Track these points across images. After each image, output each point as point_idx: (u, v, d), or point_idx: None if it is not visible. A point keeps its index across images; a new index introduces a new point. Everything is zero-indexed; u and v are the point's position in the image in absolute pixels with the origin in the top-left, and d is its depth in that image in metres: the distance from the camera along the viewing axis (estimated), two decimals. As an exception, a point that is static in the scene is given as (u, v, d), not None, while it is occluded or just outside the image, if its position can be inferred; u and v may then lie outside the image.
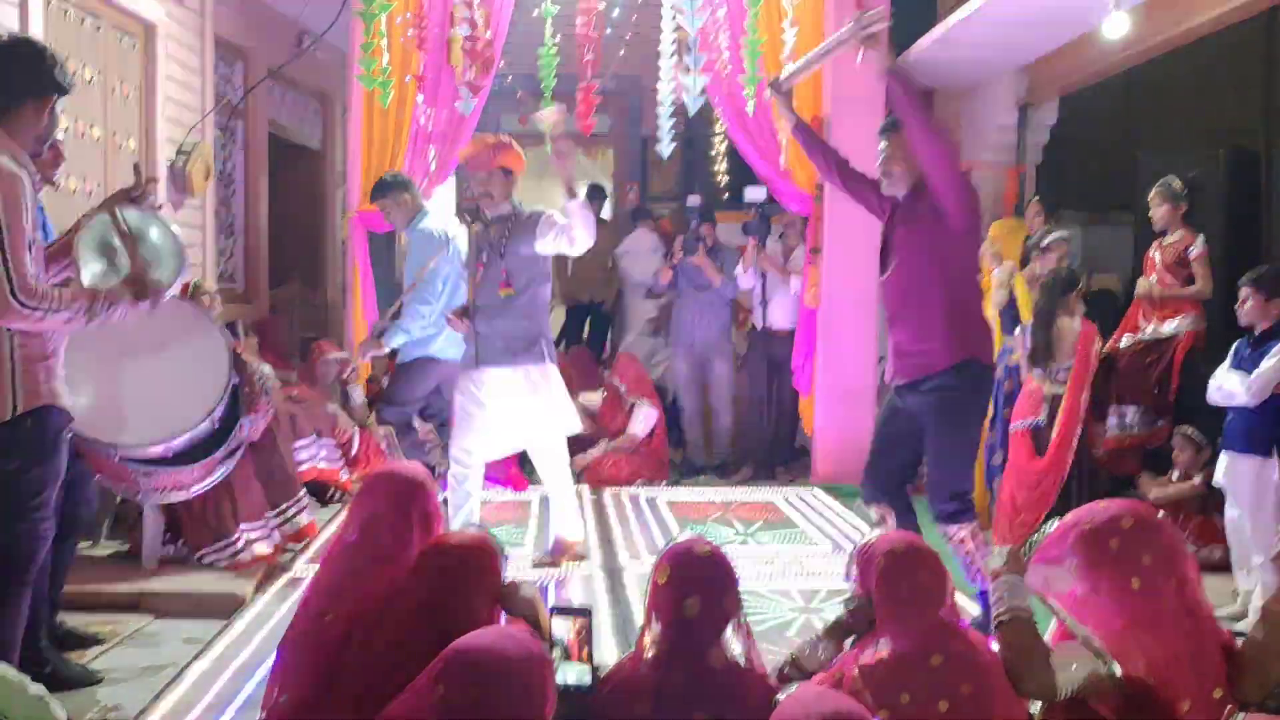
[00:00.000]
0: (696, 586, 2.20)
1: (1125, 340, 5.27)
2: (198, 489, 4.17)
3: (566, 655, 2.36)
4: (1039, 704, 2.26)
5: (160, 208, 3.31)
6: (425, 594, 2.29)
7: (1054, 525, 2.44)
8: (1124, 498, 2.46)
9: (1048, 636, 2.35)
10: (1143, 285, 5.19)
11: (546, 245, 4.44)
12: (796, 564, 4.76)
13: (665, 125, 6.20)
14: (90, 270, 3.01)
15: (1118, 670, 2.14)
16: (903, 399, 3.66)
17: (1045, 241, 5.32)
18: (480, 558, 2.37)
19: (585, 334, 8.40)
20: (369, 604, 2.37)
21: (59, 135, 3.37)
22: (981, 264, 5.90)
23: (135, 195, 3.20)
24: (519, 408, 4.46)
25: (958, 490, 3.58)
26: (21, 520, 2.82)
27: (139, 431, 3.84)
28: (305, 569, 4.42)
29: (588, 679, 2.33)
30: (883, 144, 3.69)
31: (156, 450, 3.86)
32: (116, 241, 3.04)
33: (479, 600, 2.32)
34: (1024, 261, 5.54)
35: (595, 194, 8.34)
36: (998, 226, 5.84)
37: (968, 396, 3.57)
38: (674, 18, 5.90)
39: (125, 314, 2.91)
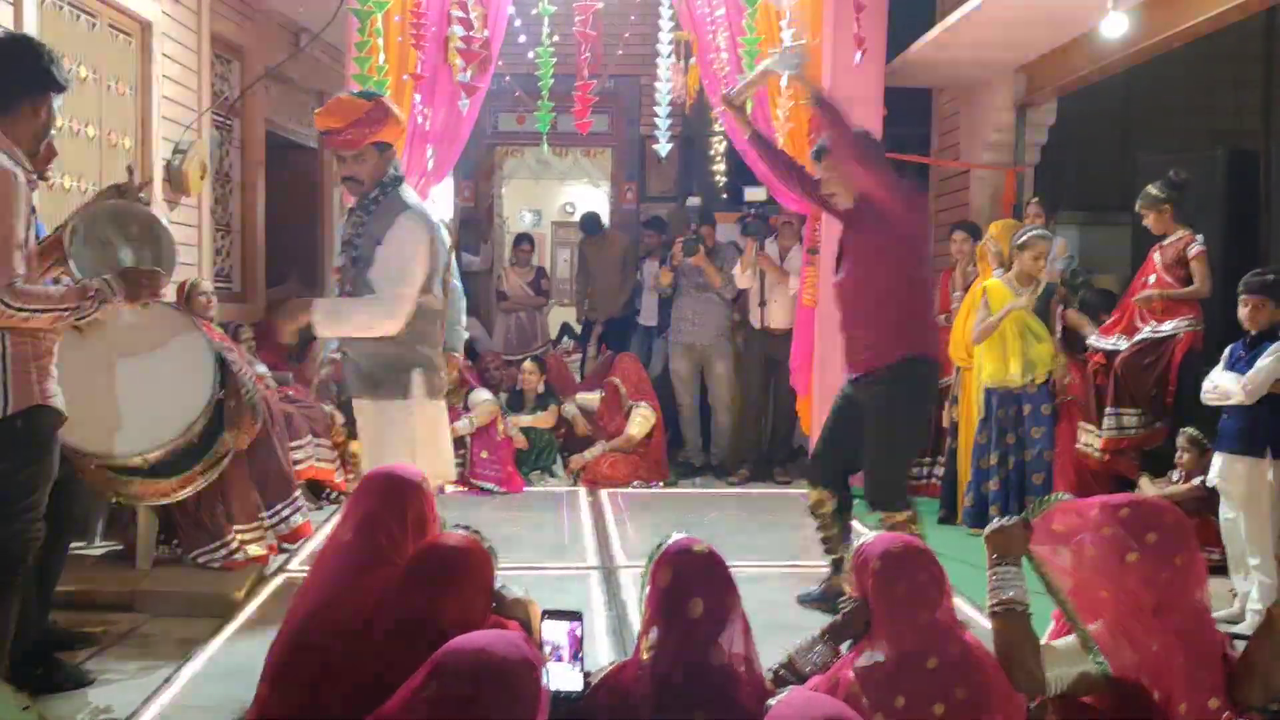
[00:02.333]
0: (699, 587, 2.19)
1: (1117, 339, 5.25)
2: (179, 496, 4.09)
3: (559, 659, 2.35)
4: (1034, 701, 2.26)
5: (149, 205, 3.29)
6: (418, 595, 2.28)
7: (1062, 498, 2.42)
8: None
9: (1045, 634, 2.34)
10: (1143, 296, 5.14)
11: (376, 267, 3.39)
12: (794, 565, 4.74)
13: (663, 125, 6.19)
14: (81, 264, 2.99)
15: (1109, 669, 2.13)
16: (854, 391, 3.99)
17: (1021, 239, 5.27)
18: (473, 559, 2.35)
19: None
20: (363, 605, 2.35)
21: (50, 131, 3.35)
22: (981, 262, 5.90)
23: (125, 191, 3.19)
24: (378, 450, 3.48)
25: (892, 478, 3.93)
26: (12, 522, 2.79)
27: (115, 443, 3.71)
28: (300, 569, 4.41)
29: (578, 684, 2.32)
30: (818, 169, 4.04)
31: (133, 461, 3.76)
32: (109, 236, 3.02)
33: (473, 602, 2.31)
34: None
35: (594, 225, 8.34)
36: (996, 226, 5.82)
37: (906, 391, 3.86)
38: (672, 18, 5.90)
39: (117, 310, 2.89)
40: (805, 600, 4.21)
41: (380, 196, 3.43)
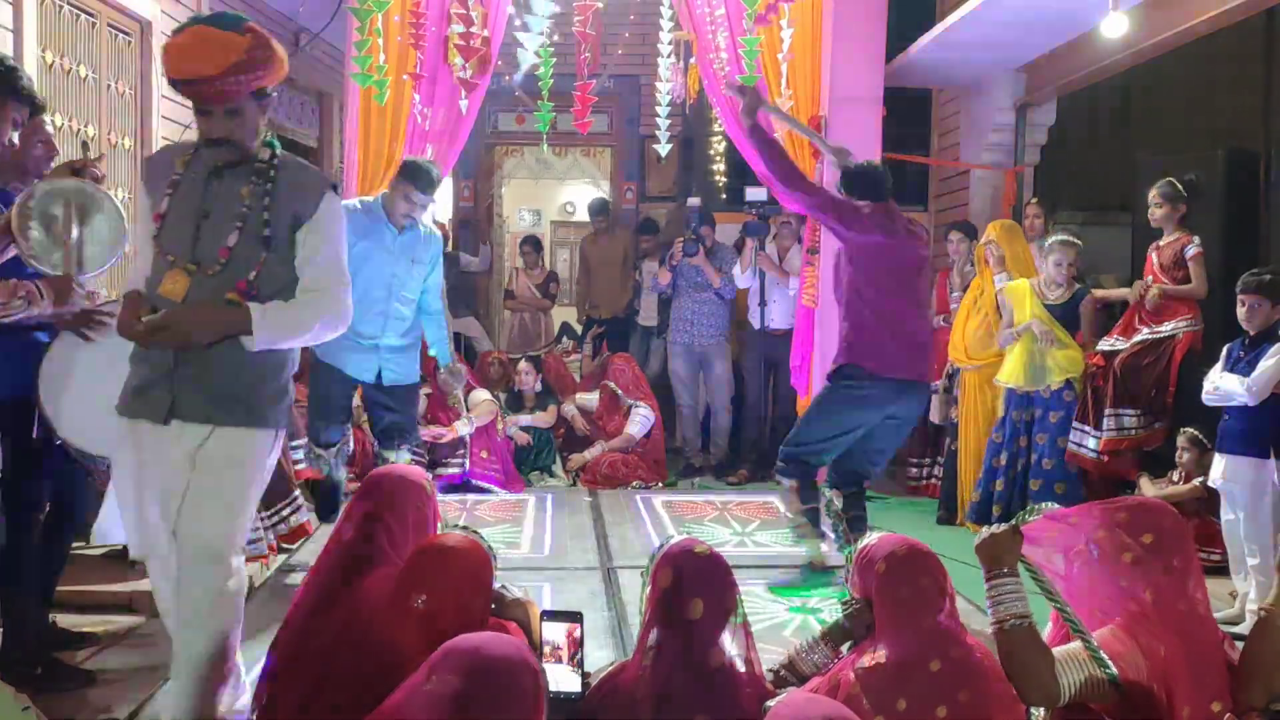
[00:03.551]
0: (699, 588, 2.19)
1: (1115, 340, 5.25)
2: None
3: (558, 660, 2.34)
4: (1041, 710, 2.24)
5: (102, 179, 3.28)
6: (420, 595, 2.27)
7: (1049, 507, 2.41)
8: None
9: (1044, 635, 2.33)
10: (1152, 294, 5.11)
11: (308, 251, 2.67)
12: (793, 565, 4.74)
13: (663, 125, 6.19)
14: (32, 240, 2.98)
15: (1115, 673, 2.13)
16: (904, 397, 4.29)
17: (1048, 242, 5.32)
18: (472, 559, 2.35)
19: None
20: (363, 605, 2.35)
21: (49, 131, 3.35)
22: (979, 263, 5.89)
23: (77, 168, 3.17)
24: (242, 491, 2.62)
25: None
26: None
27: None
28: (300, 569, 4.41)
29: (577, 686, 2.31)
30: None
31: None
32: (57, 212, 3.02)
33: (471, 602, 2.31)
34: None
35: (601, 208, 8.29)
36: (994, 227, 5.80)
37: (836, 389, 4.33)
38: (672, 18, 5.90)
39: (43, 314, 2.92)
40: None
41: (276, 160, 2.65)
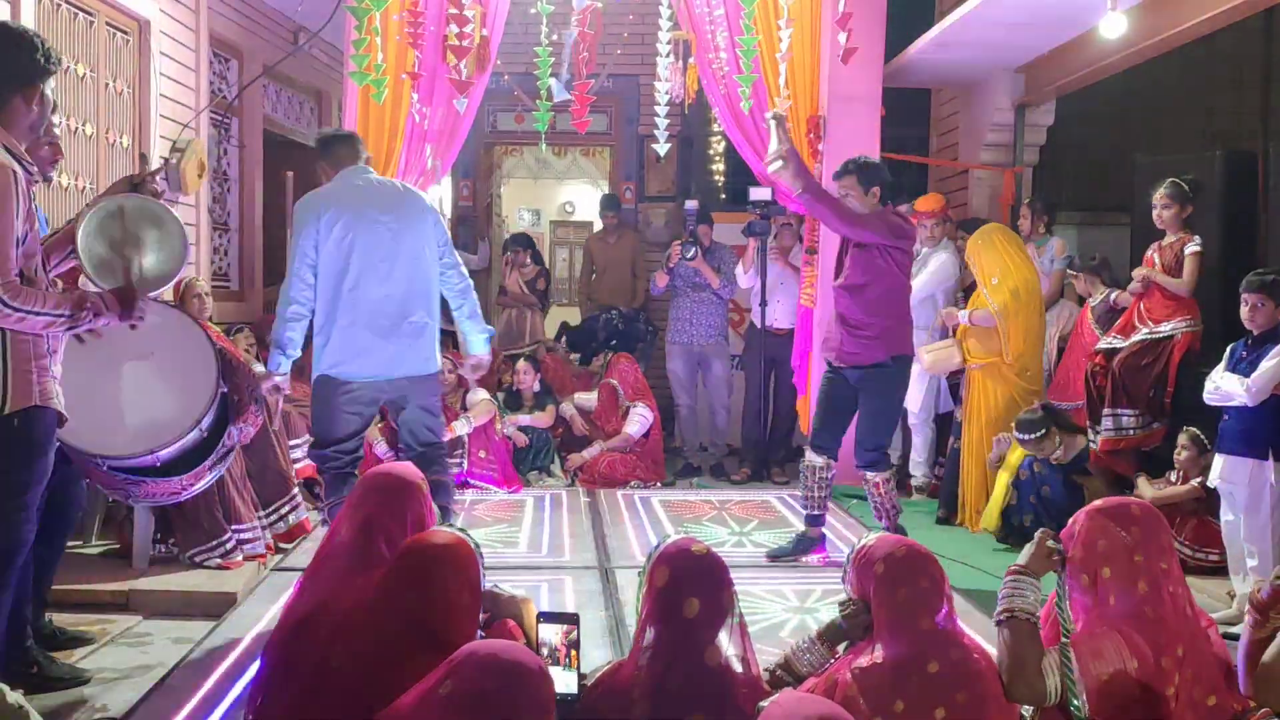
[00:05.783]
0: (696, 587, 2.18)
1: (1114, 339, 5.24)
2: (186, 495, 4.10)
3: (555, 662, 2.34)
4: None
5: (162, 194, 3.27)
6: (405, 593, 2.27)
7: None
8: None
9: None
10: (1140, 272, 5.11)
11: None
12: (791, 564, 4.74)
13: (662, 124, 6.18)
14: (91, 258, 2.98)
15: (1080, 701, 2.12)
16: (845, 376, 4.67)
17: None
18: (459, 556, 2.34)
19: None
20: (357, 605, 2.35)
21: (56, 132, 3.33)
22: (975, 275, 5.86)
23: (136, 182, 3.17)
24: None
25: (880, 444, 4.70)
26: (2, 520, 2.78)
27: (125, 442, 3.71)
28: (297, 568, 4.40)
29: (573, 687, 2.31)
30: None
31: (145, 460, 3.77)
32: (120, 230, 3.01)
33: (459, 598, 2.29)
34: None
35: (611, 203, 8.27)
36: (971, 241, 5.71)
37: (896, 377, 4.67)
38: (670, 17, 5.89)
39: (110, 324, 2.87)
40: (777, 555, 4.80)
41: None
